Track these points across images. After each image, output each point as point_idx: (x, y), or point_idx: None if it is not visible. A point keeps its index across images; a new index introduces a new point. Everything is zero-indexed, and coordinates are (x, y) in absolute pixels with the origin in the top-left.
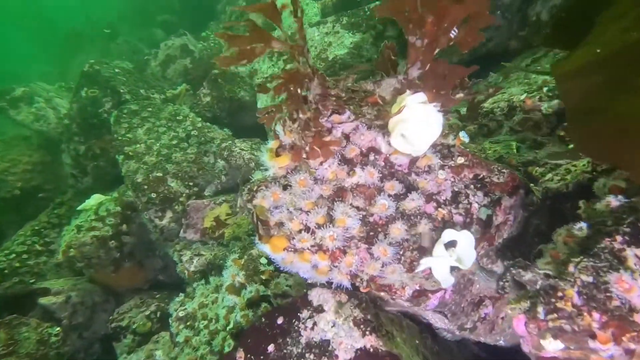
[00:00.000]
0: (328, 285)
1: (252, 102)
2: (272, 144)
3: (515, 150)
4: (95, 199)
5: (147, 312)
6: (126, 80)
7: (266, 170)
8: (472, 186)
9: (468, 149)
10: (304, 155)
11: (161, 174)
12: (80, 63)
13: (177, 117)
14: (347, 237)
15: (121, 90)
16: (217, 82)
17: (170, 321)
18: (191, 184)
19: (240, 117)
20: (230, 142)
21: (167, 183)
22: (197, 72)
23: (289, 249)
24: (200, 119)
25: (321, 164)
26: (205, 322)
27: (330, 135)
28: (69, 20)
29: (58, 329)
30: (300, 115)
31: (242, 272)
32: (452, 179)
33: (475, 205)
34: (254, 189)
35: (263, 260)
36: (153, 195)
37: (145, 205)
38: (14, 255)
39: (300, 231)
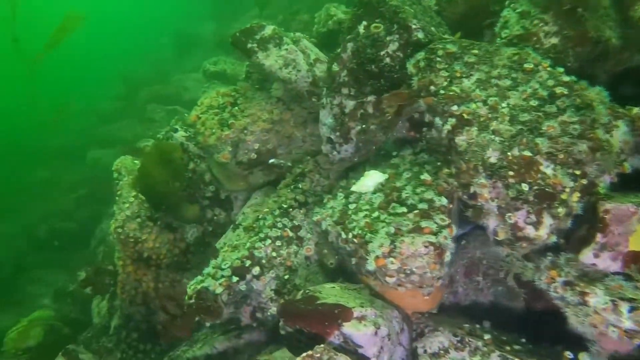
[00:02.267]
0: None
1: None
2: None
3: None
4: (372, 177)
5: None
6: (414, 11)
7: None
8: None
9: None
10: None
11: (529, 153)
12: None
13: (524, 65)
14: None
15: (413, 26)
16: (575, 13)
17: None
18: (577, 172)
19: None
20: None
21: (539, 168)
22: None
23: None
24: (562, 69)
25: None
26: None
27: None
28: None
29: None
30: None
31: None
32: None
33: None
34: None
35: None
36: (523, 186)
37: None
38: (268, 241)
39: None
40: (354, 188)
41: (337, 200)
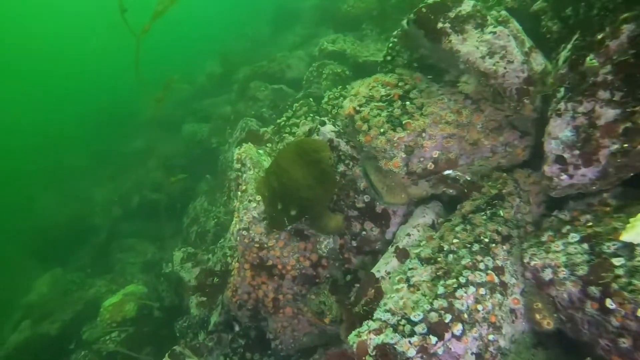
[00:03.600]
0: None
1: None
2: None
3: None
4: None
5: None
6: None
7: None
8: None
9: None
10: None
11: None
12: None
13: None
14: None
15: None
16: None
17: None
18: None
19: None
20: None
21: None
22: None
23: None
24: None
25: None
26: None
27: None
28: None
29: None
30: None
31: None
32: None
33: None
34: None
35: None
36: None
37: None
38: (472, 289)
39: None
40: (628, 237)
41: (573, 242)
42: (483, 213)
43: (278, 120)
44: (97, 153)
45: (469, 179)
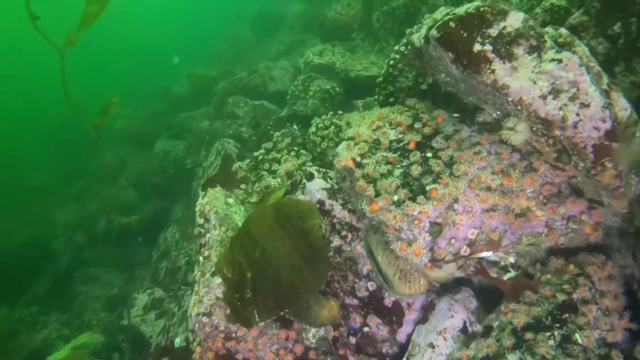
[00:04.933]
0: None
1: None
2: None
3: None
4: None
5: None
6: None
7: None
8: None
9: None
10: None
11: None
12: None
13: None
14: None
15: None
16: None
17: None
18: None
19: None
20: None
21: None
22: None
23: None
24: None
25: None
26: None
27: None
28: None
29: None
30: None
31: None
32: None
33: None
34: None
35: None
36: None
37: None
38: None
39: None
40: None
41: None
42: (549, 334)
43: (256, 153)
44: (62, 169)
45: (513, 262)
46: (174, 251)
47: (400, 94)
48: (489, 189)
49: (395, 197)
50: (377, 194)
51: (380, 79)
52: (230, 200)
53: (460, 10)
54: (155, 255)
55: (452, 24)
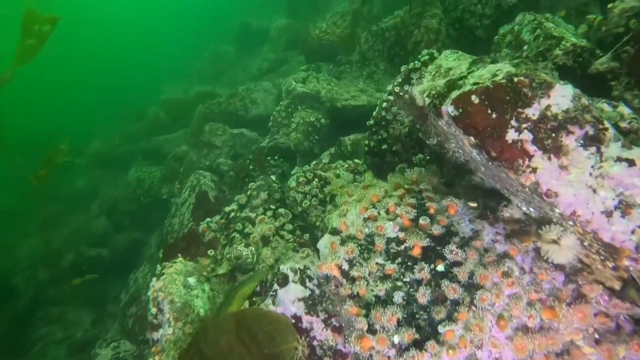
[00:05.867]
0: None
1: None
2: None
3: None
4: None
5: None
6: None
7: None
8: None
9: None
10: None
11: None
12: None
13: None
14: None
15: None
16: None
17: None
18: None
19: None
20: None
21: None
22: None
23: None
24: None
25: None
26: None
27: None
28: None
29: None
30: None
31: None
32: None
33: None
34: None
35: None
36: None
37: None
38: None
39: None
40: None
41: None
42: None
43: (227, 209)
44: (29, 194)
45: None
46: (145, 295)
47: (395, 142)
48: (525, 329)
49: (396, 339)
50: (372, 329)
51: (372, 122)
52: (191, 280)
53: (484, 76)
54: (125, 299)
55: (474, 99)
